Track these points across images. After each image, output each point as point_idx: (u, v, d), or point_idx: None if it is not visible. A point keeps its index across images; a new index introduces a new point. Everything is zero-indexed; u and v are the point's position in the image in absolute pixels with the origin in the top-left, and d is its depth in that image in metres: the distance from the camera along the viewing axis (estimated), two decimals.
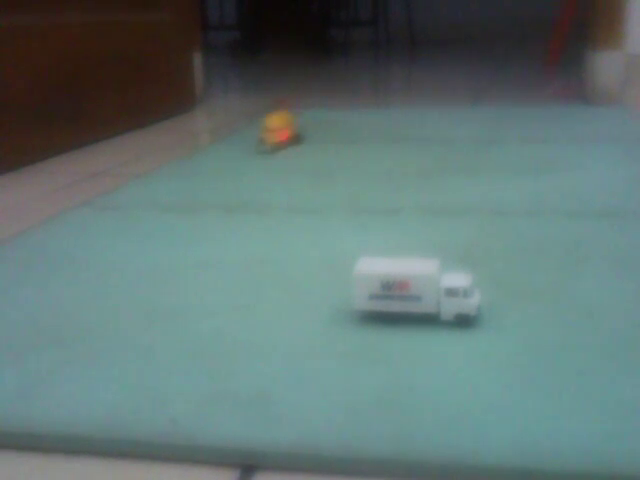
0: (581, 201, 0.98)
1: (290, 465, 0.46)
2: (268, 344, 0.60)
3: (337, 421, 0.48)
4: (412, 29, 4.78)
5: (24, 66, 1.38)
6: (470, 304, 0.61)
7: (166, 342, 0.61)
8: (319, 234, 0.89)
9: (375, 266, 0.63)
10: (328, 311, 0.66)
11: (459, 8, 5.06)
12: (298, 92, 2.38)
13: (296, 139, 1.43)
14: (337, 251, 0.82)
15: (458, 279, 0.62)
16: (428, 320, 0.63)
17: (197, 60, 2.12)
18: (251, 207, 1.01)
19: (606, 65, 1.77)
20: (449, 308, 0.61)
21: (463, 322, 0.61)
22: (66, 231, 0.93)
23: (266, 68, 3.43)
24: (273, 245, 0.85)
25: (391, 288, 0.62)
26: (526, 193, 1.03)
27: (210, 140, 1.63)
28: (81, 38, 1.56)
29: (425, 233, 0.88)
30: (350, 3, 4.63)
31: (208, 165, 1.30)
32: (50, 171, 1.34)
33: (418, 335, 0.60)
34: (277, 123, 1.37)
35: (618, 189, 1.03)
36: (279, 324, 0.64)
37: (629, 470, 0.42)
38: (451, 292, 0.61)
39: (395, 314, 0.64)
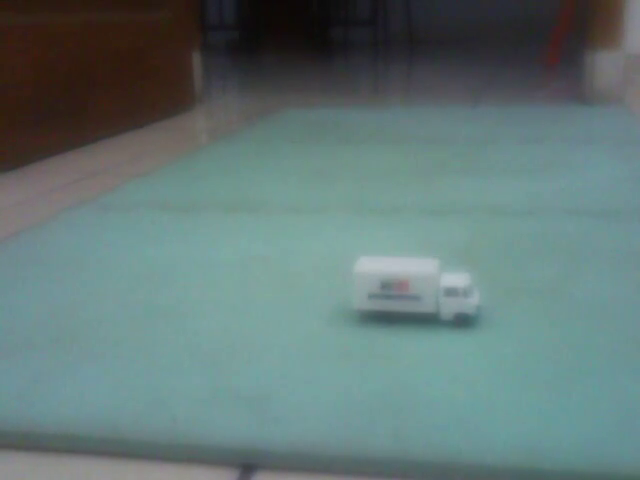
0: (580, 201, 0.98)
1: (290, 465, 0.46)
2: (268, 344, 0.60)
3: (337, 421, 0.48)
4: (412, 29, 4.78)
5: (24, 65, 1.38)
6: (469, 304, 0.61)
7: (166, 341, 0.61)
8: (319, 234, 0.89)
9: (375, 266, 0.63)
10: (328, 311, 0.66)
11: (459, 8, 5.06)
12: (298, 91, 2.38)
13: None
14: (337, 251, 0.82)
15: (457, 279, 0.62)
16: (427, 320, 0.63)
17: (196, 60, 2.12)
18: (251, 207, 1.01)
19: (606, 65, 1.77)
20: (448, 308, 0.61)
21: (462, 322, 0.61)
22: (66, 230, 0.93)
23: (265, 68, 3.43)
24: (273, 245, 0.85)
25: (391, 288, 0.62)
26: (525, 193, 1.03)
27: (209, 140, 1.63)
28: (81, 38, 1.56)
29: (424, 233, 0.88)
30: (349, 3, 4.63)
31: (208, 165, 1.30)
32: (50, 170, 1.34)
33: (418, 335, 0.60)
34: None
35: (617, 189, 1.03)
36: (279, 324, 0.64)
37: (629, 470, 0.42)
38: (450, 292, 0.61)
39: (395, 314, 0.64)
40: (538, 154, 1.28)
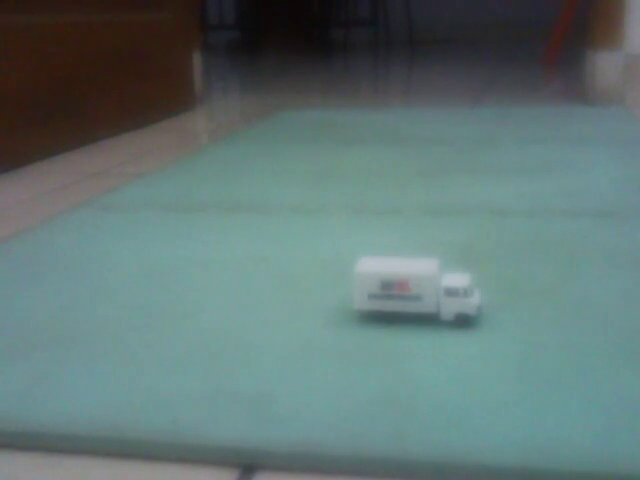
0: (580, 201, 0.98)
1: (290, 465, 0.46)
2: (268, 344, 0.60)
3: (337, 421, 0.48)
4: (412, 29, 4.78)
5: (24, 66, 1.38)
6: (470, 304, 0.61)
7: (166, 342, 0.61)
8: (319, 234, 0.89)
9: (375, 266, 0.63)
10: (328, 311, 0.66)
11: (459, 8, 5.06)
12: (298, 92, 2.38)
13: None
14: (337, 251, 0.82)
15: (458, 279, 0.62)
16: (428, 320, 0.63)
17: (196, 60, 2.12)
18: (251, 207, 1.01)
19: (606, 65, 1.77)
20: (449, 308, 0.61)
21: (463, 322, 0.61)
22: (66, 231, 0.93)
23: (266, 68, 3.43)
24: (273, 245, 0.85)
25: (391, 288, 0.62)
26: (526, 193, 1.03)
27: (210, 140, 1.63)
28: (81, 38, 1.56)
29: (425, 233, 0.88)
30: (350, 3, 4.63)
31: (208, 165, 1.30)
32: (50, 171, 1.34)
33: (418, 335, 0.60)
34: None
35: (617, 189, 1.03)
36: (279, 324, 0.64)
37: (629, 470, 0.42)
38: (451, 292, 0.61)
39: (395, 314, 0.64)
40: (538, 154, 1.28)
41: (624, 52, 1.77)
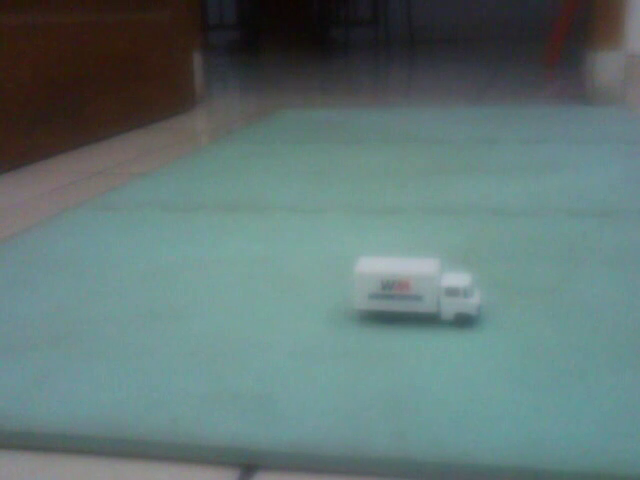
0: (581, 201, 0.98)
1: (290, 465, 0.46)
2: (268, 344, 0.60)
3: (337, 421, 0.48)
4: (412, 29, 4.78)
5: (24, 66, 1.38)
6: (470, 304, 0.61)
7: (166, 342, 0.61)
8: (319, 234, 0.89)
9: (375, 266, 0.63)
10: (328, 311, 0.66)
11: (459, 8, 5.06)
12: (298, 92, 2.38)
13: None
14: (337, 251, 0.82)
15: (458, 279, 0.62)
16: (428, 320, 0.63)
17: (197, 60, 2.12)
18: (251, 207, 1.01)
19: (606, 65, 1.77)
20: (449, 308, 0.61)
21: (463, 322, 0.61)
22: (66, 231, 0.93)
23: (266, 68, 3.43)
24: (273, 245, 0.85)
25: (391, 288, 0.62)
26: (526, 193, 1.03)
27: (210, 140, 1.63)
28: (81, 38, 1.56)
29: (425, 233, 0.88)
30: (350, 3, 4.63)
31: (208, 165, 1.30)
32: (50, 171, 1.34)
33: (418, 335, 0.60)
34: None
35: (618, 189, 1.03)
36: (279, 324, 0.64)
37: (629, 470, 0.42)
38: (451, 292, 0.61)
39: (395, 314, 0.64)
40: (539, 154, 1.28)
41: (624, 52, 1.77)
